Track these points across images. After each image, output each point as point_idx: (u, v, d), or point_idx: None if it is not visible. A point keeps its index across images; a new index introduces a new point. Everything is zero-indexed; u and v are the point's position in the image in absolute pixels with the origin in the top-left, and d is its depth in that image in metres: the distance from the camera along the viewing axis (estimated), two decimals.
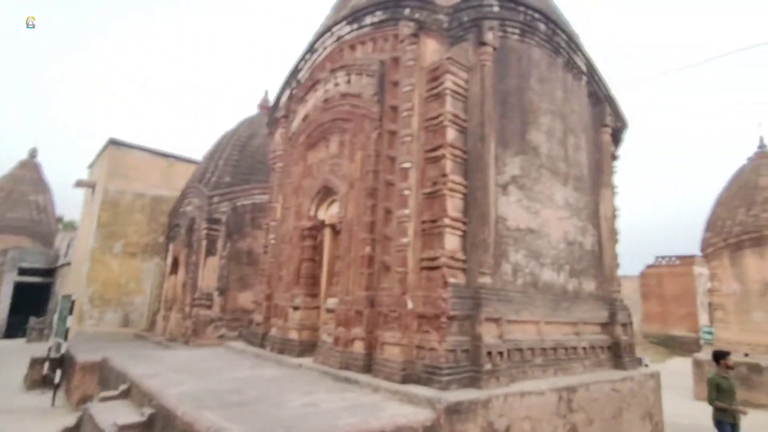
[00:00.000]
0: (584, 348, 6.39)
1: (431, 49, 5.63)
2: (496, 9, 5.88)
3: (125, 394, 5.41)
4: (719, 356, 7.83)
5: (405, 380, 4.72)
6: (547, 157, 6.50)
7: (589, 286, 6.92)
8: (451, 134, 5.25)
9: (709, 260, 15.94)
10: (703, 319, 27.72)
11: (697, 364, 14.48)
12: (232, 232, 11.16)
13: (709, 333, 26.64)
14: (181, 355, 7.69)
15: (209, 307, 10.68)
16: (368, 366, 5.25)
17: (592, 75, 7.62)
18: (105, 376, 6.83)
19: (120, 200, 14.38)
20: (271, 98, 14.03)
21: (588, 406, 5.66)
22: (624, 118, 8.13)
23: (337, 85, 6.84)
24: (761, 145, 15.78)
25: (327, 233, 7.07)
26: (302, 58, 8.04)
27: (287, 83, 8.51)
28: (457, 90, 5.41)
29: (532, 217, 6.08)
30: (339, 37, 7.22)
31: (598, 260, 7.21)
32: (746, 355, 14.23)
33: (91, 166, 16.74)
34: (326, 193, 6.90)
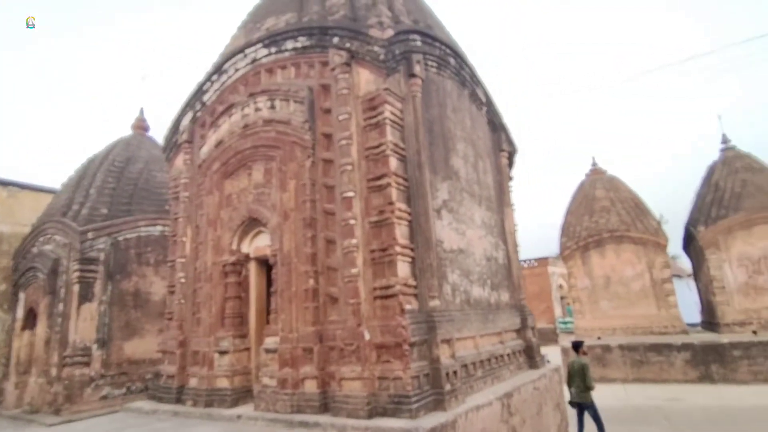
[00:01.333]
0: (508, 354, 6.98)
1: (365, 78, 5.72)
2: (419, 44, 6.23)
3: None
4: (577, 345, 9.38)
5: (371, 414, 4.61)
6: (465, 181, 7.04)
7: (505, 296, 7.62)
8: (393, 163, 5.38)
9: (566, 261, 18.73)
10: (558, 312, 32.29)
11: (565, 352, 16.71)
12: (113, 273, 9.62)
13: (563, 323, 31.20)
14: (69, 431, 6.32)
15: (86, 364, 8.99)
16: (324, 405, 5.01)
17: (490, 105, 8.51)
18: None
19: None
20: (149, 117, 12.65)
21: (521, 408, 6.19)
22: (515, 144, 9.22)
23: (258, 110, 6.48)
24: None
25: (253, 268, 6.59)
26: (208, 79, 7.44)
27: (189, 105, 7.76)
28: (395, 120, 5.57)
29: (460, 237, 6.50)
30: (254, 60, 6.87)
31: (509, 272, 7.99)
32: (599, 338, 16.99)
33: None
34: (250, 224, 6.44)
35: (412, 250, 5.31)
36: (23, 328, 10.13)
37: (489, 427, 5.22)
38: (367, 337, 4.92)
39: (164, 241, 10.61)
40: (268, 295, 6.69)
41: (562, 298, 32.48)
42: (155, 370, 7.22)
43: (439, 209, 6.06)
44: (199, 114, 7.66)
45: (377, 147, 5.41)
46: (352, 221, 5.28)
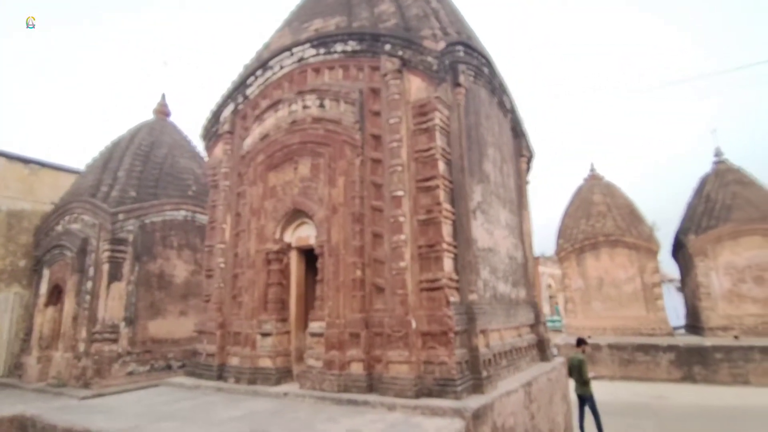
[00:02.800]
0: (525, 347, 7.54)
1: (416, 85, 6.13)
2: (462, 54, 6.66)
3: None
4: (580, 342, 10.07)
5: (418, 395, 5.10)
6: (494, 184, 7.52)
7: (522, 293, 8.16)
8: (441, 166, 5.83)
9: (561, 262, 19.45)
10: (546, 310, 33.24)
11: (557, 348, 17.45)
12: (140, 254, 9.90)
13: (551, 322, 32.14)
14: (119, 402, 6.67)
15: (114, 341, 9.30)
16: (370, 386, 5.47)
17: (513, 112, 8.99)
18: None
19: None
20: (170, 102, 12.83)
21: (538, 396, 6.75)
22: (533, 149, 9.73)
23: (306, 107, 6.85)
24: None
25: (294, 256, 6.99)
26: (252, 74, 7.77)
27: (230, 97, 8.08)
28: (442, 126, 6.01)
29: (489, 237, 7.00)
30: (301, 59, 7.23)
31: (525, 271, 8.53)
32: (589, 337, 17.78)
33: None
34: (294, 215, 6.84)
35: (455, 247, 5.79)
36: (47, 304, 10.36)
37: (516, 410, 5.75)
38: (414, 325, 5.39)
39: (187, 226, 10.92)
40: (307, 282, 7.14)
41: (550, 297, 33.44)
42: (192, 348, 7.60)
43: (474, 210, 6.54)
44: (240, 106, 7.99)
45: (427, 150, 5.85)
46: (401, 218, 5.72)
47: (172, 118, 12.84)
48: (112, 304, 9.35)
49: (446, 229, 5.68)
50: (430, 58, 5.96)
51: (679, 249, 18.87)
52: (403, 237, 5.67)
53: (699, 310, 17.02)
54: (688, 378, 15.60)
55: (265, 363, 6.46)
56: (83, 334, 9.37)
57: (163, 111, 12.59)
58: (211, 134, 8.33)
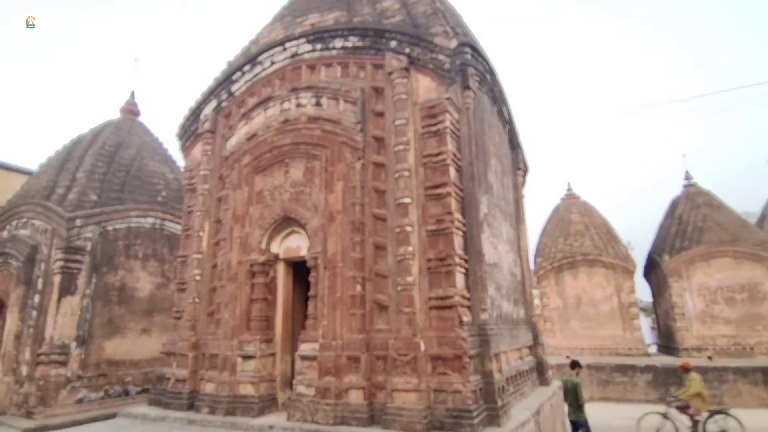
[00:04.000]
0: (527, 370, 7.05)
1: (425, 86, 5.67)
2: (469, 57, 6.27)
3: None
4: (576, 364, 9.68)
5: (428, 428, 4.49)
6: (497, 196, 7.11)
7: (521, 312, 7.72)
8: (452, 173, 5.34)
9: (540, 281, 19.30)
10: None
11: None
12: (99, 265, 8.86)
13: None
14: None
15: (63, 363, 8.18)
16: (372, 417, 4.82)
17: (511, 123, 8.70)
18: None
19: None
20: (140, 102, 11.90)
21: (543, 423, 6.25)
22: (527, 163, 9.45)
23: (300, 105, 6.26)
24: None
25: (281, 269, 6.30)
26: (239, 69, 7.12)
27: (213, 93, 7.38)
28: (453, 130, 5.55)
29: (494, 252, 6.54)
30: (294, 54, 6.66)
31: (523, 288, 8.11)
32: (567, 357, 17.59)
33: None
34: (283, 223, 6.17)
35: (466, 261, 5.27)
36: None
37: None
38: (423, 347, 4.80)
39: (155, 234, 9.96)
40: (294, 298, 6.44)
41: None
42: (157, 372, 6.68)
43: (481, 222, 6.07)
44: (224, 104, 7.30)
45: (437, 155, 5.36)
46: (408, 228, 5.17)
47: (142, 119, 11.88)
48: (62, 321, 8.26)
49: (457, 241, 5.17)
50: (441, 57, 5.52)
51: (652, 269, 19.14)
52: (410, 249, 5.11)
53: (673, 331, 17.17)
54: (665, 399, 15.54)
55: (247, 390, 5.67)
56: (27, 355, 8.21)
57: (131, 110, 11.63)
58: (189, 133, 7.57)
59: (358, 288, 5.27)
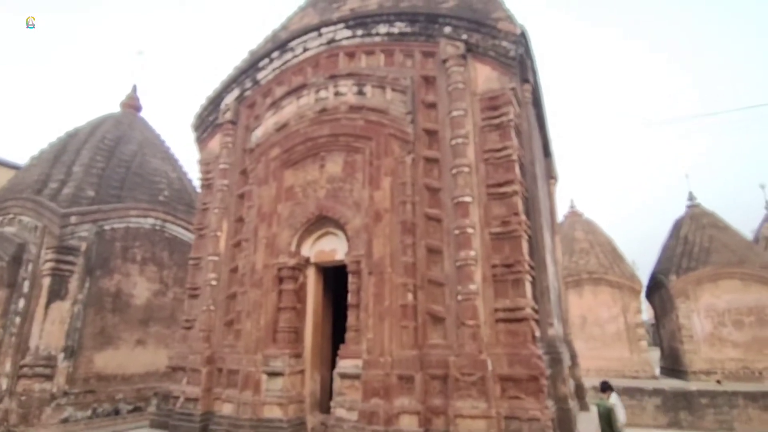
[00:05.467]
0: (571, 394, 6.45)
1: (484, 75, 5.16)
2: (526, 48, 5.80)
3: None
4: (607, 386, 9.10)
5: None
6: (541, 202, 6.58)
7: (561, 330, 7.15)
8: (518, 170, 4.80)
9: None
10: None
11: None
12: (94, 267, 8.01)
13: None
14: None
15: (48, 377, 7.26)
16: None
17: (546, 129, 8.25)
18: None
19: None
20: (143, 97, 11.17)
21: None
22: (557, 172, 9.01)
23: (339, 94, 5.68)
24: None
25: (311, 274, 5.62)
26: (266, 55, 6.53)
27: (236, 81, 6.76)
28: (516, 124, 5.03)
29: (548, 261, 5.98)
30: (331, 41, 6.11)
31: (560, 303, 7.56)
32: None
33: None
34: (317, 223, 5.52)
35: (533, 268, 4.69)
36: None
37: None
38: (490, 366, 4.17)
39: (154, 236, 9.14)
40: (324, 306, 5.75)
41: None
42: (164, 391, 5.87)
43: (541, 226, 5.52)
44: (248, 93, 6.68)
45: (500, 150, 4.81)
46: (469, 230, 4.58)
47: (144, 115, 11.13)
48: (50, 329, 7.36)
49: (525, 246, 4.59)
50: (506, 43, 5.03)
51: (655, 290, 18.85)
52: (472, 253, 4.51)
53: (680, 353, 16.79)
54: (675, 424, 15.05)
55: (273, 412, 4.92)
56: (8, 367, 7.26)
57: (133, 104, 10.89)
58: (206, 124, 6.91)
59: (410, 297, 4.63)
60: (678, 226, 19.04)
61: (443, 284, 4.62)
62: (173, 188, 9.79)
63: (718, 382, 15.78)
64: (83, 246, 7.89)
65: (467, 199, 4.68)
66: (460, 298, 4.43)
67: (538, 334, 4.35)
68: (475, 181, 4.79)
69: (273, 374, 5.07)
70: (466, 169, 4.78)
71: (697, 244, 17.52)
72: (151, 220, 9.02)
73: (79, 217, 7.89)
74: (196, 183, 10.16)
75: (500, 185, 4.72)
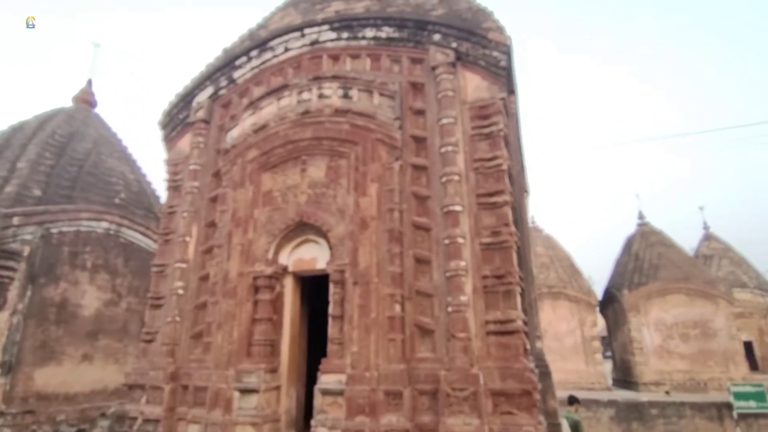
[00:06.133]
0: None
1: (474, 84, 5.12)
2: (511, 60, 5.85)
3: None
4: (575, 400, 9.32)
5: None
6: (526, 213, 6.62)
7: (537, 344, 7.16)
8: (507, 180, 4.76)
9: None
10: None
11: None
12: (37, 274, 7.26)
13: None
14: None
15: None
16: None
17: (520, 141, 8.37)
18: None
19: None
20: (98, 93, 10.45)
21: None
22: (529, 186, 9.16)
23: (323, 96, 5.48)
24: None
25: (289, 284, 5.31)
26: (244, 53, 6.23)
27: (210, 78, 6.41)
28: (505, 134, 5.01)
29: None
30: (315, 42, 5.92)
31: (532, 318, 7.59)
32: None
33: None
34: (297, 230, 5.24)
35: (522, 280, 4.64)
36: None
37: None
38: (482, 381, 4.04)
39: (108, 242, 8.43)
40: (301, 318, 5.44)
41: None
42: (119, 410, 5.32)
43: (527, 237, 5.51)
44: (222, 91, 6.34)
45: (491, 160, 4.76)
46: (460, 240, 4.47)
47: (100, 112, 10.38)
48: None
49: (515, 257, 4.54)
50: (496, 53, 5.03)
51: (609, 304, 19.62)
52: (463, 263, 4.40)
53: (632, 365, 17.49)
54: None
55: None
56: None
57: (87, 99, 10.14)
58: (176, 122, 6.48)
59: (398, 308, 4.44)
60: (630, 243, 20.01)
61: (432, 295, 4.47)
62: (131, 190, 9.13)
63: (667, 393, 16.51)
64: (26, 250, 7.14)
65: (458, 208, 4.58)
66: (450, 309, 4.28)
67: (529, 347, 4.27)
68: (465, 190, 4.71)
69: (246, 391, 4.69)
70: (456, 178, 4.68)
71: (647, 261, 18.43)
72: (105, 224, 8.33)
73: (22, 218, 7.15)
74: (158, 186, 9.57)
75: (491, 195, 4.65)
